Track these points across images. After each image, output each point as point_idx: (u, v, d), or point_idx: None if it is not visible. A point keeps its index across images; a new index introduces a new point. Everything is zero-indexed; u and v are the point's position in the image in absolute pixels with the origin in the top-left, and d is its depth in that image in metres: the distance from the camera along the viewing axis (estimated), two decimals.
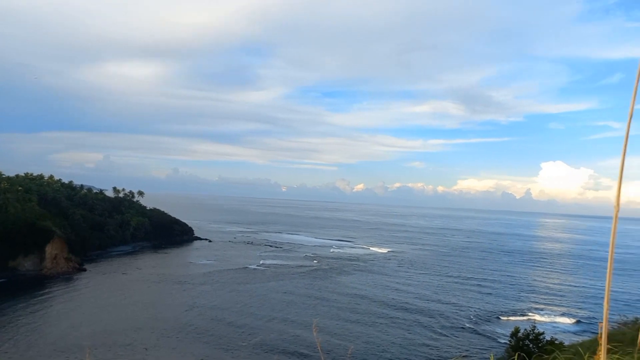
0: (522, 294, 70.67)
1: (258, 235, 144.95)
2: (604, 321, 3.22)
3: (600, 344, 3.26)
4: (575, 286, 75.46)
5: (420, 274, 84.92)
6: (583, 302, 65.13)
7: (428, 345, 43.84)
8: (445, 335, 47.49)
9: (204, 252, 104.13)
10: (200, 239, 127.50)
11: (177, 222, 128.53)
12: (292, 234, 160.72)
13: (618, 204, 2.96)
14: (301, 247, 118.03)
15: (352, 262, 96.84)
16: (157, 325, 47.01)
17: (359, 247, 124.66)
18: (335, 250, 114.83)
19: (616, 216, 2.94)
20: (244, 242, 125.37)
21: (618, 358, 4.10)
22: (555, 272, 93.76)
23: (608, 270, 3.12)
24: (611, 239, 2.99)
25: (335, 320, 51.94)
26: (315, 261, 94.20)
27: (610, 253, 2.94)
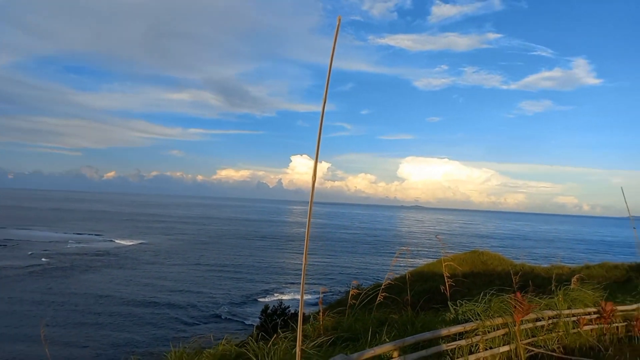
0: (272, 276, 76.53)
1: None
2: (301, 293, 3.24)
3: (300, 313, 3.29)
4: (316, 264, 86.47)
5: (175, 265, 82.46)
6: (321, 277, 75.17)
7: (178, 338, 42.64)
8: (196, 324, 47.32)
9: None
10: None
11: None
12: (21, 229, 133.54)
13: (313, 192, 3.06)
14: (32, 244, 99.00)
15: (99, 258, 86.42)
16: None
17: (108, 241, 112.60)
18: (77, 246, 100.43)
19: (312, 201, 3.08)
20: None
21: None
22: (301, 252, 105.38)
23: (305, 245, 3.17)
24: (308, 219, 3.07)
25: (71, 327, 45.10)
26: (46, 259, 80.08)
27: (307, 231, 2.99)
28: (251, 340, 6.19)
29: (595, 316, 9.61)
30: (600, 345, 8.72)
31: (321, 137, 3.26)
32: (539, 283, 21.04)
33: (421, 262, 44.64)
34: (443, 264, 9.76)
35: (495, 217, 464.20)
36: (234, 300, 57.72)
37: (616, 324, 10.06)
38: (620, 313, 10.31)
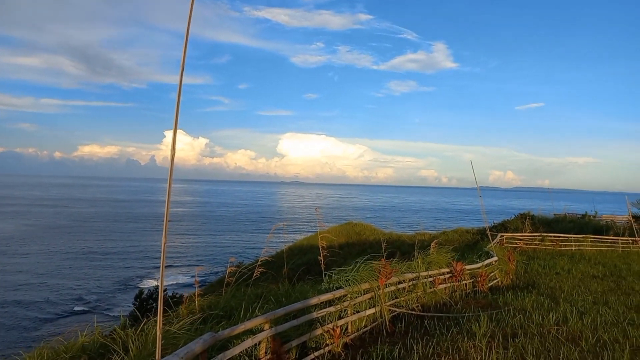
0: (148, 260, 72.24)
1: None
2: (161, 272, 3.09)
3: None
4: (196, 244, 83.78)
5: (30, 254, 73.09)
6: (202, 257, 73.19)
7: (35, 339, 37.96)
8: (58, 319, 42.68)
9: None
10: None
11: None
12: None
13: (172, 167, 2.92)
14: None
15: None
16: None
17: None
18: None
19: (170, 176, 2.94)
20: None
21: None
22: (179, 233, 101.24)
23: (164, 224, 3.03)
24: (167, 196, 2.91)
25: None
26: None
27: (166, 208, 2.84)
28: (118, 328, 5.70)
29: (448, 276, 10.84)
30: (451, 301, 9.89)
31: (180, 108, 3.02)
32: (405, 250, 23.16)
33: (301, 236, 46.05)
34: (318, 237, 10.06)
35: (368, 190, 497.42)
36: (104, 289, 53.28)
37: (465, 281, 11.48)
38: (468, 271, 11.78)
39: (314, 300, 6.45)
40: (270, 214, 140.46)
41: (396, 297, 8.77)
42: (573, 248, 22.64)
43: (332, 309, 6.82)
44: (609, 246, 23.82)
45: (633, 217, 30.39)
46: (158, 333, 3.41)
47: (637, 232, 26.92)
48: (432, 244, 13.16)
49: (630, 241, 24.62)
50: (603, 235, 26.21)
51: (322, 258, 9.02)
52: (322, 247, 9.22)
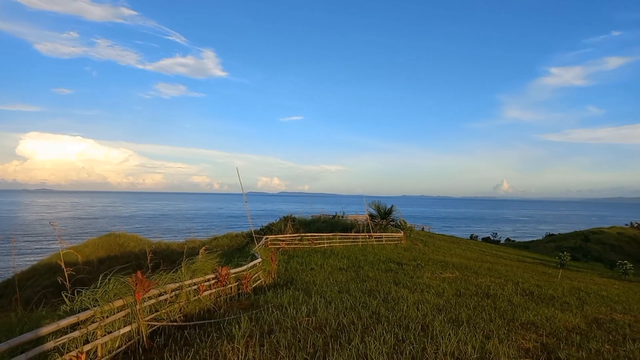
0: None
1: None
2: None
3: None
4: None
5: None
6: None
7: None
8: None
9: None
10: None
11: None
12: None
13: None
14: None
15: None
16: None
17: None
18: None
19: None
20: None
21: None
22: None
23: None
24: None
25: None
26: None
27: None
28: None
29: (214, 281, 10.84)
30: (215, 307, 9.92)
31: None
32: (175, 258, 22.26)
33: (46, 254, 39.01)
34: (61, 254, 8.70)
35: (136, 197, 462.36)
36: None
37: (230, 285, 11.71)
38: (234, 275, 12.05)
39: (51, 328, 5.48)
40: (11, 230, 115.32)
41: (157, 310, 8.27)
42: (325, 245, 25.81)
43: (76, 333, 5.93)
44: (352, 241, 28.09)
45: (369, 216, 36.72)
46: None
47: (372, 229, 32.63)
48: (201, 251, 13.01)
49: (367, 236, 29.64)
50: (348, 232, 30.80)
51: (66, 277, 7.80)
52: (64, 265, 7.98)
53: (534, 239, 78.76)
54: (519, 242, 72.28)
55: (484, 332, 8.18)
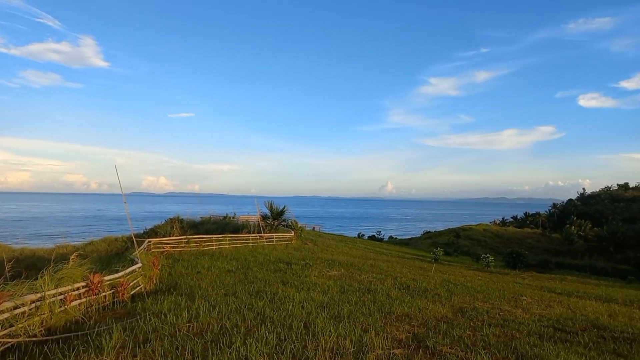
0: None
1: None
2: None
3: None
4: None
5: None
6: None
7: None
8: None
9: None
10: None
11: None
12: None
13: None
14: None
15: None
16: None
17: None
18: None
19: None
20: None
21: None
22: None
23: None
24: None
25: None
26: None
27: None
28: None
29: (84, 290, 9.91)
30: (85, 318, 9.07)
31: None
32: (41, 266, 19.84)
33: None
34: None
35: None
36: None
37: (104, 293, 10.78)
38: (109, 282, 11.13)
39: None
40: None
41: (12, 325, 7.31)
42: (214, 247, 25.15)
43: None
44: (242, 243, 27.76)
45: (262, 216, 36.66)
46: None
47: (263, 229, 32.61)
48: (72, 257, 11.83)
49: (258, 237, 29.56)
50: (239, 233, 30.40)
51: None
52: None
53: (414, 236, 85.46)
54: (401, 239, 77.86)
55: (362, 326, 8.63)
